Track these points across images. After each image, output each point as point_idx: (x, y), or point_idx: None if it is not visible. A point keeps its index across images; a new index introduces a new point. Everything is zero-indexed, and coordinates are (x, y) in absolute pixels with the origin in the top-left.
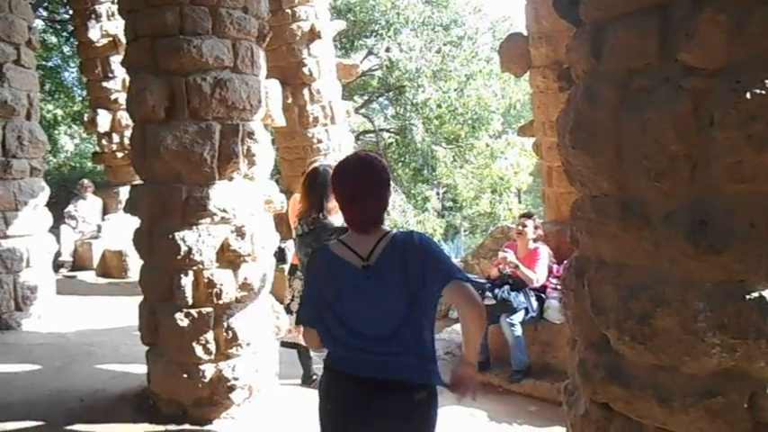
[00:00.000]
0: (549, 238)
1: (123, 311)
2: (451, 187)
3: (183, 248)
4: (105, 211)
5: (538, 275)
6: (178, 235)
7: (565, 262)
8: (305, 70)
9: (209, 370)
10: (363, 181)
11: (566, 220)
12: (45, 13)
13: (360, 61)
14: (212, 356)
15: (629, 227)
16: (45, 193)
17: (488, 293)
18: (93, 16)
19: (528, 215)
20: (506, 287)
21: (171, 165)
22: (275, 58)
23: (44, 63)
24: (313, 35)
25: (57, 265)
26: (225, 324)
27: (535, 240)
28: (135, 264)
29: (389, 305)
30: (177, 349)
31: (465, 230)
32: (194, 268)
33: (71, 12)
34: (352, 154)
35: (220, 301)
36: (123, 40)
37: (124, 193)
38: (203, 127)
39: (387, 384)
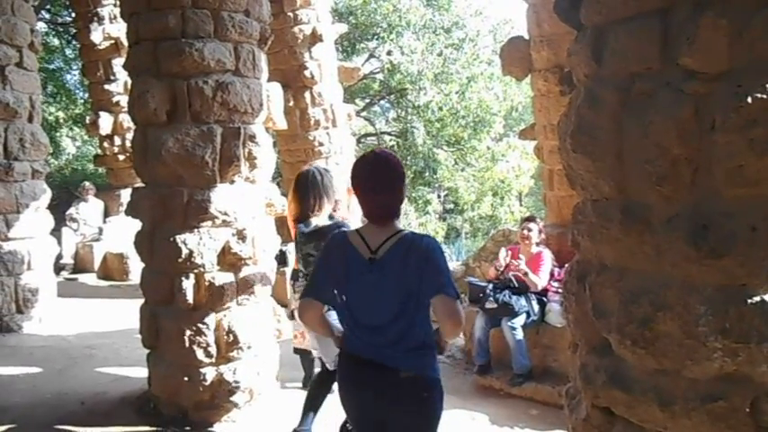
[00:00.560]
0: (551, 241)
1: (124, 314)
2: (453, 190)
3: (185, 251)
4: (107, 214)
5: (542, 280)
6: (179, 238)
7: (566, 265)
8: (306, 73)
9: (209, 373)
10: (382, 175)
11: (567, 224)
12: (48, 16)
13: (361, 64)
14: (213, 359)
15: (630, 231)
16: (46, 196)
17: (490, 297)
18: (95, 19)
19: (532, 219)
20: (507, 291)
21: (172, 168)
22: (277, 62)
23: (46, 65)
24: (314, 38)
25: (58, 268)
26: (226, 327)
27: (538, 244)
28: (136, 266)
29: (386, 299)
30: (178, 352)
31: (466, 233)
32: (195, 271)
33: (74, 14)
34: (370, 151)
35: (221, 304)
36: (125, 42)
37: (126, 195)
38: (205, 130)
39: (380, 367)
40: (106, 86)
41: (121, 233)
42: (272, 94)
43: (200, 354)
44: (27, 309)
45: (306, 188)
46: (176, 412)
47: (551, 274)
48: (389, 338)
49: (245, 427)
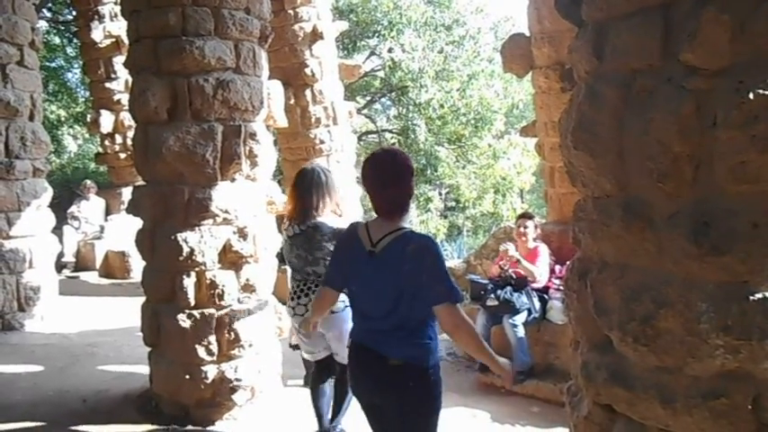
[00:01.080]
0: (552, 238)
1: (126, 312)
2: (454, 187)
3: (186, 249)
4: (108, 212)
5: (540, 270)
6: (180, 236)
7: (567, 263)
8: (307, 71)
9: (211, 371)
10: (388, 170)
11: (568, 221)
12: (49, 14)
13: (362, 62)
14: (215, 357)
15: (631, 228)
16: (48, 194)
17: (491, 294)
18: (96, 17)
19: (528, 216)
20: (509, 288)
21: (173, 166)
22: (277, 59)
23: (48, 64)
24: (315, 36)
25: (59, 266)
26: (227, 325)
27: (534, 240)
28: (137, 264)
29: (382, 291)
30: (180, 350)
31: (468, 231)
32: (196, 269)
33: (75, 13)
34: (380, 149)
35: (222, 302)
36: (126, 40)
37: (127, 193)
38: (205, 128)
39: (376, 354)
40: (107, 85)
41: (123, 231)
42: (273, 92)
43: (201, 352)
44: (29, 307)
45: (308, 187)
46: (178, 410)
47: (552, 271)
48: (385, 328)
49: (247, 424)
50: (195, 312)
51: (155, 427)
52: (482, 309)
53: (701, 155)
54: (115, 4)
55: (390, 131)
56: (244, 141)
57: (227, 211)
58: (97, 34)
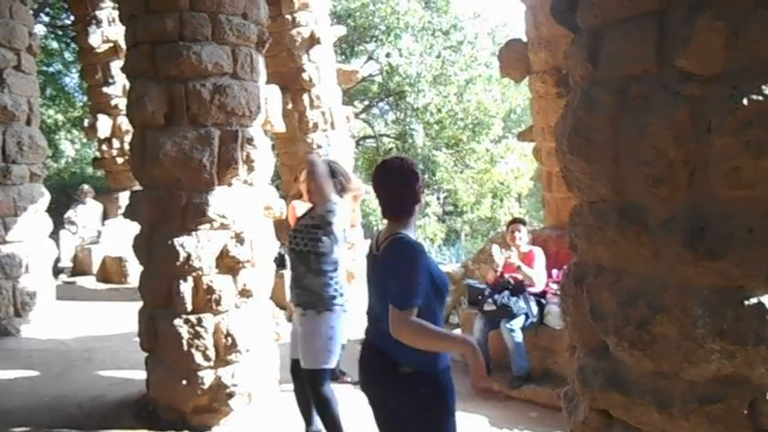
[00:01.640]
0: (549, 243)
1: (123, 317)
2: (452, 192)
3: (183, 254)
4: (105, 217)
5: (538, 273)
6: (177, 241)
7: (564, 267)
8: (305, 76)
9: (208, 376)
10: (391, 172)
11: (566, 226)
12: (46, 19)
13: (360, 66)
14: (211, 363)
15: (627, 233)
16: (45, 199)
17: (488, 299)
18: (93, 22)
19: (519, 221)
20: (506, 292)
21: (170, 171)
22: (275, 64)
23: (45, 68)
24: (313, 41)
25: (56, 271)
26: (224, 330)
27: (527, 243)
28: (135, 269)
29: (379, 295)
30: (176, 356)
31: (466, 235)
32: (193, 274)
33: (72, 17)
34: (391, 156)
35: (220, 308)
36: (124, 45)
37: (124, 198)
38: (202, 133)
39: (384, 355)
40: (105, 89)
41: (120, 236)
42: (271, 97)
43: (198, 357)
44: (25, 312)
45: (329, 172)
46: (175, 416)
47: (549, 276)
48: (386, 330)
49: (244, 430)
50: (192, 317)
51: None
52: (479, 313)
53: (696, 160)
54: (113, 8)
55: (388, 136)
56: (241, 146)
57: (224, 216)
58: (95, 39)
